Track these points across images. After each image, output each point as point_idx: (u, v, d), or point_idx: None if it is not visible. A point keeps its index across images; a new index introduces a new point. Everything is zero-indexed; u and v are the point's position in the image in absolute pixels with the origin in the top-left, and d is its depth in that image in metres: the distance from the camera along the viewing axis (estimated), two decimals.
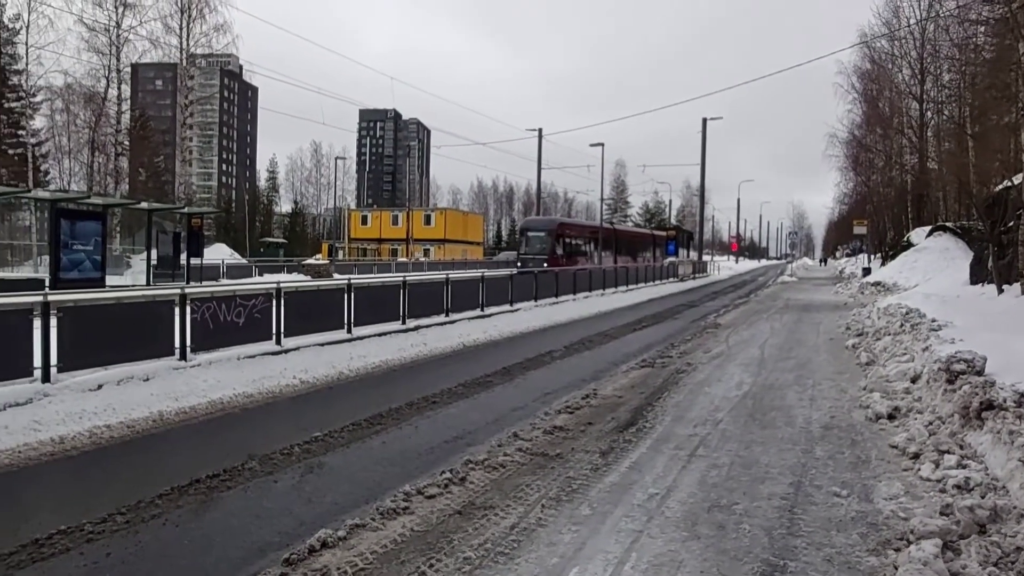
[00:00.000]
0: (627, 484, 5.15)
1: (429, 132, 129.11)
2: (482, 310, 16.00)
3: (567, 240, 34.41)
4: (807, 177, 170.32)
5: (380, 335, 11.98)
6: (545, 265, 28.87)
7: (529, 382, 9.50)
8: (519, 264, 32.55)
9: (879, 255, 42.21)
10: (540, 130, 46.03)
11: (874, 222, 43.89)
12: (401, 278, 13.96)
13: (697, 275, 44.28)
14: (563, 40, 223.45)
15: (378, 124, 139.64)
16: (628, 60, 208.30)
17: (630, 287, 28.17)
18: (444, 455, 5.96)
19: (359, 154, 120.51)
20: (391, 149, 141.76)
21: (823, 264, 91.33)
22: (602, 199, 40.61)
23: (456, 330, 13.69)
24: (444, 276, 15.80)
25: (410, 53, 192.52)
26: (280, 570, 3.79)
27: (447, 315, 14.55)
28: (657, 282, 33.33)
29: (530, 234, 34.26)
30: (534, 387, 9.09)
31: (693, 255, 56.38)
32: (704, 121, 46.09)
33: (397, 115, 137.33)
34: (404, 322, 13.04)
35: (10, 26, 37.46)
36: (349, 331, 11.55)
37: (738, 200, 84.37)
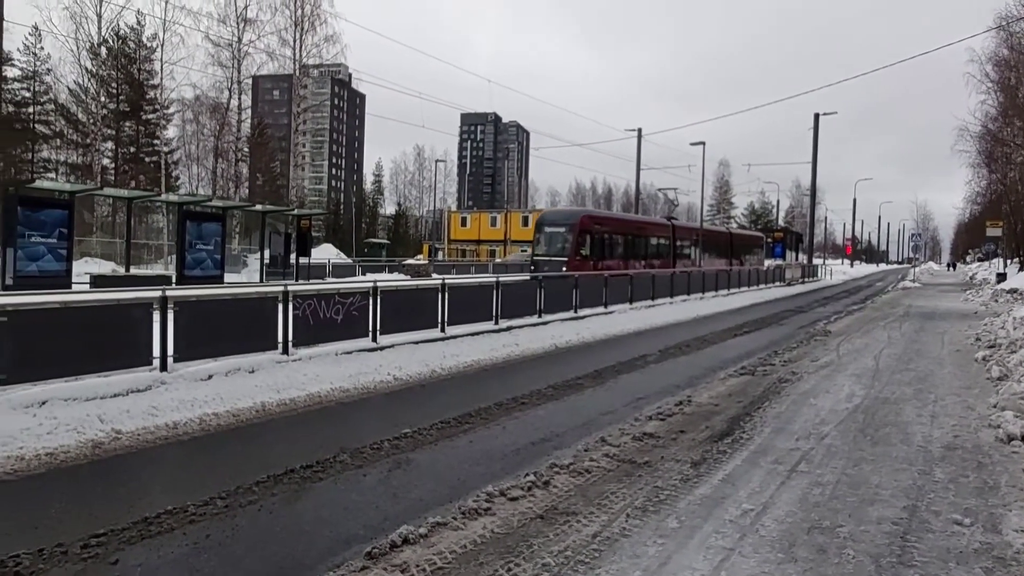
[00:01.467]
0: (719, 498, 4.88)
1: (528, 134, 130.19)
2: (575, 312, 15.85)
3: (597, 237, 26.44)
4: (932, 175, 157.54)
5: (473, 335, 12.10)
6: (564, 269, 22.90)
7: (620, 386, 9.27)
8: (532, 267, 25.89)
9: (1016, 259, 38.36)
10: (639, 130, 45.28)
11: (1011, 223, 39.96)
12: (495, 278, 14.06)
13: (806, 279, 42.02)
14: (663, 39, 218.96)
15: (478, 128, 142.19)
16: (732, 57, 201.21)
17: (732, 291, 27.12)
18: (529, 457, 5.90)
19: (460, 157, 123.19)
20: (491, 152, 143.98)
21: (951, 269, 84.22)
22: (703, 199, 39.09)
23: (548, 331, 13.63)
24: (537, 276, 15.77)
25: (512, 57, 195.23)
26: (362, 563, 3.85)
27: (540, 316, 14.51)
28: (762, 286, 31.90)
29: (547, 230, 26.27)
30: (625, 391, 8.86)
31: (802, 258, 53.51)
32: (816, 117, 43.70)
33: (497, 118, 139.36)
34: (497, 322, 13.12)
35: (148, 44, 41.10)
36: (443, 330, 11.74)
37: (854, 200, 78.99)
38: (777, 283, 35.32)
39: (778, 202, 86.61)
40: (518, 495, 4.88)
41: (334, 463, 5.63)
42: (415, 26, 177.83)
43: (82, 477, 5.39)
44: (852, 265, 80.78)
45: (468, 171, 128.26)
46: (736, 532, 4.26)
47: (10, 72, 43.79)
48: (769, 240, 51.73)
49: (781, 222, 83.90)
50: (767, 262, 44.98)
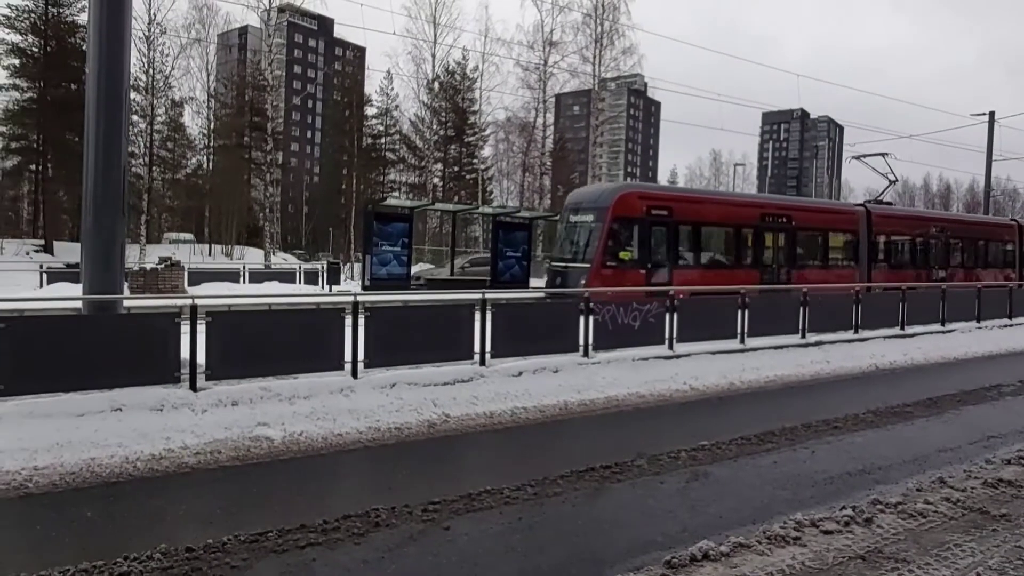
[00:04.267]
0: None
1: (841, 129, 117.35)
2: (901, 328, 13.78)
3: (654, 230, 16.67)
4: None
5: (775, 348, 11.28)
6: (583, 282, 15.13)
7: (964, 419, 7.82)
8: (546, 279, 18.47)
9: None
10: (991, 113, 37.62)
11: None
12: (805, 288, 12.95)
13: None
14: None
15: (782, 126, 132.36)
16: None
17: None
18: (845, 489, 5.30)
19: (760, 159, 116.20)
20: (796, 151, 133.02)
21: None
22: None
23: (867, 349, 12.10)
24: (850, 287, 14.12)
25: (835, 49, 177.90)
26: (662, 571, 3.84)
27: (856, 331, 12.94)
28: None
29: (570, 219, 17.40)
30: (971, 426, 7.44)
31: None
32: None
33: (804, 114, 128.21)
34: (803, 336, 12.04)
35: (470, 76, 46.77)
36: (742, 341, 11.17)
37: None
38: None
39: None
40: (832, 529, 4.41)
41: (632, 467, 5.73)
42: (723, 29, 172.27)
43: (420, 451, 6.33)
44: None
45: (770, 173, 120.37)
46: None
47: (370, 111, 53.66)
48: None
49: None
50: None
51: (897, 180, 26.11)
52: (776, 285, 17.35)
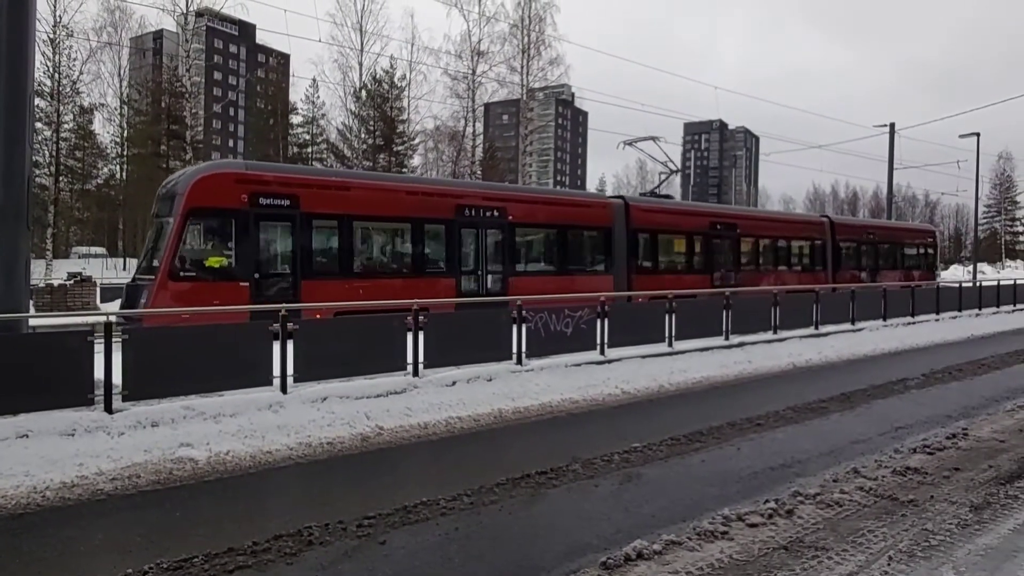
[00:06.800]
0: (1010, 551, 4.14)
1: (757, 139, 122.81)
2: (816, 328, 14.54)
3: (260, 224, 12.47)
4: None
5: (701, 350, 11.68)
6: (144, 300, 11.51)
7: (874, 412, 8.31)
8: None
9: None
10: (892, 125, 40.25)
11: None
12: (727, 292, 13.44)
13: None
14: (931, 24, 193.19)
15: (703, 136, 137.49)
16: (1016, 37, 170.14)
17: (1018, 306, 22.85)
18: (768, 483, 5.53)
19: (683, 167, 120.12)
20: (716, 160, 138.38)
21: None
22: (977, 198, 33.44)
23: (785, 349, 12.69)
24: (771, 290, 14.79)
25: (760, 63, 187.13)
26: (597, 572, 3.91)
27: (775, 332, 13.56)
28: None
29: (154, 213, 13.30)
30: (881, 419, 7.91)
31: None
32: None
33: (723, 125, 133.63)
34: (727, 338, 12.53)
35: (398, 85, 46.45)
36: (670, 345, 11.51)
37: None
38: None
39: None
40: (757, 522, 4.60)
41: (567, 472, 5.80)
42: (654, 40, 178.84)
43: (354, 465, 6.21)
44: None
45: (692, 181, 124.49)
46: None
47: (295, 119, 52.48)
48: None
49: None
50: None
51: (679, 170, 22.93)
52: (483, 297, 14.33)
